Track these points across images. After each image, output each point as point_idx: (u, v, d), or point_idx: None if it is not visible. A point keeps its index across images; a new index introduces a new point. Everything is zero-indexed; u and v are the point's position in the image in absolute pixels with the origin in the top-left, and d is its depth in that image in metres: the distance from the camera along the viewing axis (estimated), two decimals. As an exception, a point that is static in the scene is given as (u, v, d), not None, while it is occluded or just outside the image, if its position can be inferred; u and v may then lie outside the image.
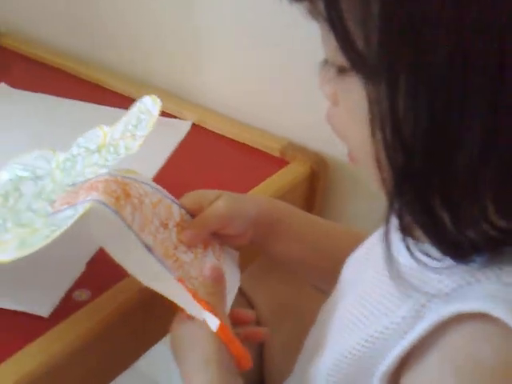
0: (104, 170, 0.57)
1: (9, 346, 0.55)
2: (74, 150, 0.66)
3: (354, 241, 0.58)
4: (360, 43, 0.34)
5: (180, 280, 0.53)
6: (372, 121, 0.36)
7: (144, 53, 1.07)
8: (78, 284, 0.61)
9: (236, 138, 0.92)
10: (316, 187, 0.87)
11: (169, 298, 0.51)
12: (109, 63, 1.12)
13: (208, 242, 0.60)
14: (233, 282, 0.60)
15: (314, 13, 0.37)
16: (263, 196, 0.76)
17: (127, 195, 0.53)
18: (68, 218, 0.50)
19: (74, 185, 0.59)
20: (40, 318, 0.58)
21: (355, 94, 0.37)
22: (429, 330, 0.38)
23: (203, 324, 0.50)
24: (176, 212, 0.59)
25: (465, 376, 0.35)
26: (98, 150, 0.63)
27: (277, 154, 0.88)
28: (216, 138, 0.93)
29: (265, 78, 0.93)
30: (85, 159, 0.63)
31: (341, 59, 0.36)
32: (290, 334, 0.73)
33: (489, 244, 0.37)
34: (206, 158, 0.88)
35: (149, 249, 0.52)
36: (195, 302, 0.52)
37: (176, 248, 0.56)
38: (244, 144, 0.91)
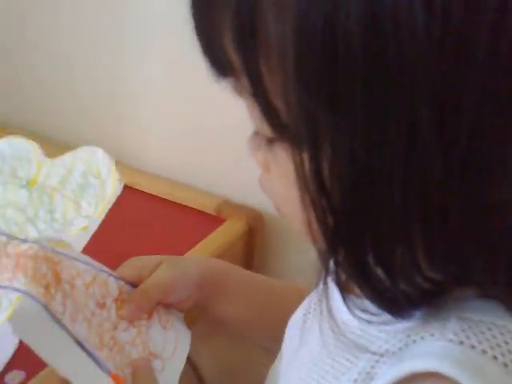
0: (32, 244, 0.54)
1: None
2: None
3: (297, 297, 0.58)
4: (283, 112, 0.35)
5: (115, 378, 0.50)
6: (300, 187, 0.36)
7: (71, 117, 1.05)
8: (11, 365, 0.58)
9: (170, 198, 0.91)
10: (254, 243, 0.87)
11: None
12: (29, 127, 1.09)
13: (152, 309, 0.58)
14: (183, 344, 0.58)
15: (238, 89, 0.38)
16: (204, 257, 0.75)
17: (58, 281, 0.50)
18: None
19: None
20: (-30, 407, 0.54)
21: (284, 161, 0.38)
22: None
23: None
24: (113, 286, 0.56)
25: None
26: (28, 185, 0.60)
27: (212, 212, 0.88)
28: (149, 199, 0.92)
29: (197, 137, 0.94)
30: (7, 187, 0.59)
31: (267, 130, 0.37)
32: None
33: (424, 297, 0.37)
34: (140, 220, 0.87)
35: (82, 345, 0.49)
36: None
37: (116, 328, 0.54)
38: (179, 204, 0.91)
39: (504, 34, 0.31)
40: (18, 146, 0.64)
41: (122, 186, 0.93)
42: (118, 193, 0.61)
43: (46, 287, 0.48)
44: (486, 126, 0.33)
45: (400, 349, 0.39)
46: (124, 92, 1.00)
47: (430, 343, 0.37)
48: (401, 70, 0.32)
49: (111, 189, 0.63)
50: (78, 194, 0.61)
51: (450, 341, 0.36)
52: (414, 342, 0.38)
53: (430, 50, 0.31)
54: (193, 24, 0.37)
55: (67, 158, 0.64)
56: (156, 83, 0.96)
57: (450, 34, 0.31)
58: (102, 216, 0.60)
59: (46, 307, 0.47)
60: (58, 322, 0.48)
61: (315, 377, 0.45)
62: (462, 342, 0.36)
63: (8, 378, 0.57)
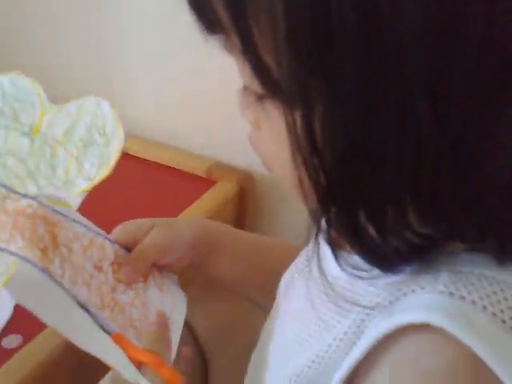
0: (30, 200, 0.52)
1: None
2: None
3: (291, 254, 0.58)
4: (274, 71, 0.35)
5: (117, 336, 0.50)
6: (292, 145, 0.36)
7: (56, 83, 1.04)
8: (7, 330, 0.58)
9: (161, 162, 0.91)
10: (245, 204, 0.87)
11: (107, 362, 0.47)
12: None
13: (147, 272, 0.58)
14: (180, 307, 0.59)
15: (228, 47, 0.37)
16: (196, 218, 0.75)
17: (55, 244, 0.50)
18: None
19: None
20: (-32, 371, 0.54)
21: (276, 119, 0.37)
22: (373, 345, 0.38)
23: None
24: (109, 250, 0.56)
25: None
26: (31, 133, 0.57)
27: (203, 174, 0.88)
28: (140, 163, 0.92)
29: (188, 100, 0.93)
30: (9, 132, 0.56)
31: (258, 87, 0.37)
32: (234, 357, 0.72)
33: (414, 252, 0.38)
34: (132, 184, 0.87)
35: (84, 307, 0.49)
36: (132, 365, 0.48)
37: (114, 290, 0.54)
38: (169, 167, 0.90)
39: (495, 24, 0.31)
40: (21, 84, 0.58)
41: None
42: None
43: (44, 250, 0.48)
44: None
45: (391, 302, 0.39)
46: (114, 58, 0.98)
47: (421, 296, 0.37)
48: (394, 41, 0.31)
49: (115, 152, 0.61)
50: (82, 151, 0.58)
51: (441, 292, 0.37)
52: (405, 295, 0.38)
53: (423, 25, 0.31)
54: None
55: (72, 107, 0.59)
56: (144, 48, 0.95)
57: (443, 14, 0.31)
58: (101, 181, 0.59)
59: (44, 271, 0.47)
60: (58, 284, 0.47)
61: (309, 332, 0.46)
62: (451, 294, 0.36)
63: (5, 342, 0.57)
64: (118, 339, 0.49)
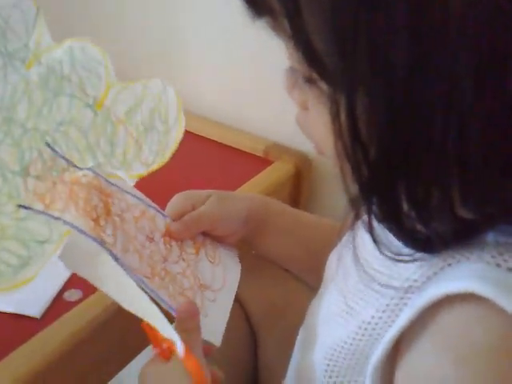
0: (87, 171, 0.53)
1: (2, 348, 0.55)
2: (65, 67, 0.54)
3: (340, 236, 0.58)
4: (321, 52, 0.35)
5: (146, 326, 0.48)
6: (335, 132, 0.36)
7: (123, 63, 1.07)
8: (69, 284, 0.62)
9: (220, 140, 0.93)
10: (301, 185, 0.88)
11: (147, 320, 0.47)
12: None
13: (199, 245, 0.59)
14: (232, 279, 0.59)
15: (276, 29, 0.37)
16: (252, 193, 0.76)
17: (108, 213, 0.51)
18: (42, 224, 0.48)
19: (52, 149, 0.52)
20: (32, 319, 0.58)
21: (322, 101, 0.37)
22: (417, 315, 0.38)
23: (176, 367, 0.47)
24: (161, 222, 0.57)
25: (462, 360, 0.36)
26: (94, 106, 0.56)
27: (261, 154, 0.89)
28: (200, 141, 0.94)
29: (247, 81, 0.94)
30: (73, 101, 0.55)
31: (305, 69, 0.37)
32: (283, 333, 0.73)
33: (457, 236, 0.38)
34: (191, 160, 0.89)
35: (132, 272, 0.49)
36: (170, 326, 0.47)
37: (166, 260, 0.55)
38: (228, 146, 0.92)
39: None
40: (91, 53, 0.57)
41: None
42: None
43: (96, 220, 0.49)
44: None
45: (435, 273, 0.39)
46: (175, 40, 1.01)
47: (467, 266, 0.37)
48: (445, 20, 0.31)
49: (173, 142, 0.61)
50: (142, 134, 0.58)
51: (488, 263, 0.36)
52: (450, 265, 0.39)
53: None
54: None
55: (138, 86, 0.58)
56: (206, 29, 0.96)
57: None
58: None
59: (96, 239, 0.47)
60: (109, 252, 0.48)
61: (352, 304, 0.46)
62: (499, 265, 0.36)
63: (66, 295, 0.60)
64: (148, 328, 0.48)
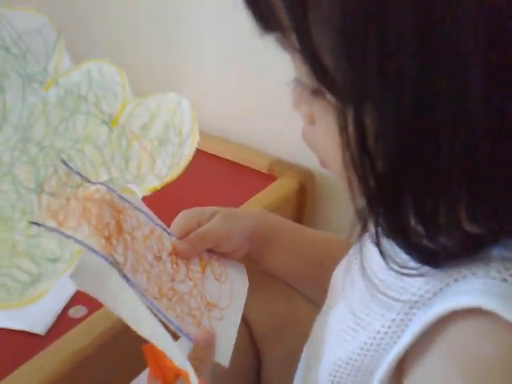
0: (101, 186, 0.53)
1: (5, 365, 0.54)
2: (82, 88, 0.56)
3: (344, 249, 0.58)
4: (330, 67, 0.35)
5: (149, 349, 0.48)
6: (343, 144, 0.36)
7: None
8: (74, 301, 0.61)
9: (225, 156, 0.93)
10: (304, 201, 0.88)
11: (158, 345, 0.46)
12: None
13: (205, 263, 0.59)
14: (238, 296, 0.59)
15: (284, 43, 0.37)
16: (257, 210, 0.76)
17: (119, 231, 0.51)
18: (54, 242, 0.47)
19: (67, 165, 0.52)
20: (36, 335, 0.58)
21: (329, 114, 0.37)
22: (423, 331, 0.38)
23: None
24: (167, 241, 0.57)
25: (470, 374, 0.36)
26: (110, 122, 0.57)
27: (265, 170, 0.90)
28: (205, 157, 0.94)
29: (250, 96, 0.95)
30: (90, 119, 0.56)
31: (313, 82, 0.37)
32: (287, 349, 0.72)
33: (463, 251, 0.38)
34: (195, 176, 0.89)
35: (142, 294, 0.48)
36: (182, 353, 0.46)
37: (173, 279, 0.54)
38: (233, 162, 0.93)
39: None
40: (109, 74, 0.59)
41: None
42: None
43: (108, 238, 0.49)
44: None
45: (441, 289, 0.39)
46: (177, 56, 1.02)
47: (473, 281, 0.37)
48: (451, 33, 0.31)
49: (187, 154, 0.60)
50: (156, 147, 0.58)
51: (494, 278, 0.36)
52: (456, 281, 0.38)
53: (480, 13, 0.31)
54: None
55: (152, 102, 0.59)
56: (207, 43, 0.97)
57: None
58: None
59: (107, 258, 0.47)
60: (120, 273, 0.47)
61: (357, 321, 0.46)
62: (505, 280, 0.36)
63: (71, 311, 0.60)
64: (151, 351, 0.48)
